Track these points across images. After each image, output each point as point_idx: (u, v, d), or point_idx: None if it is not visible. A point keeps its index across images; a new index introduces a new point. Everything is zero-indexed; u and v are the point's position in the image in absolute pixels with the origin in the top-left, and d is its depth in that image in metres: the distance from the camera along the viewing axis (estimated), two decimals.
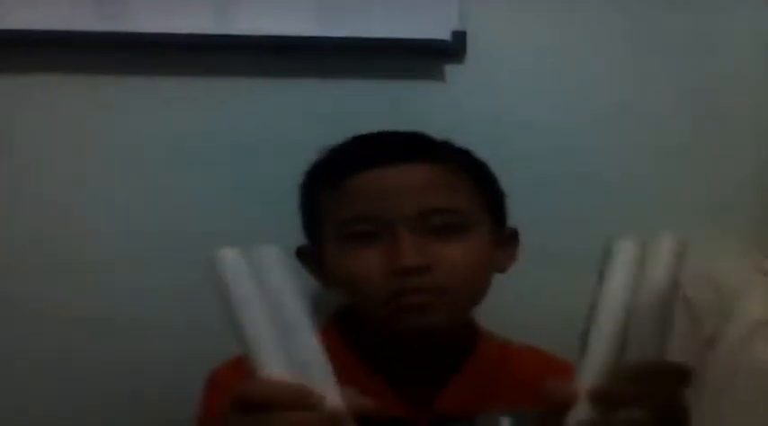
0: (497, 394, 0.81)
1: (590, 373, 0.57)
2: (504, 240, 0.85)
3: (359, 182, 0.78)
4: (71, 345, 1.04)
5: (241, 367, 0.58)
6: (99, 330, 1.04)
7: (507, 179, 1.02)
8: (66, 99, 1.05)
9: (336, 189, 0.79)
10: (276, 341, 0.58)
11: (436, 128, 1.01)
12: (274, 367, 0.57)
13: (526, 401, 0.78)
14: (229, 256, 0.59)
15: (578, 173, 1.10)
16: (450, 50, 1.07)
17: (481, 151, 1.01)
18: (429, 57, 1.08)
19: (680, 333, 0.95)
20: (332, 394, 0.57)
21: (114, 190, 1.06)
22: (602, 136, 1.11)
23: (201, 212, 1.06)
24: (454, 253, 0.77)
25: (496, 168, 0.99)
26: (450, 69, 1.09)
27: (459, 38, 1.07)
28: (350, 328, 0.83)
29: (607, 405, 0.54)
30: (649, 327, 0.57)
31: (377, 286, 0.75)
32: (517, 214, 1.00)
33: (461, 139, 1.02)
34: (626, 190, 1.11)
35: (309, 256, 0.85)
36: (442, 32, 1.06)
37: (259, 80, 1.07)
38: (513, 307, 1.00)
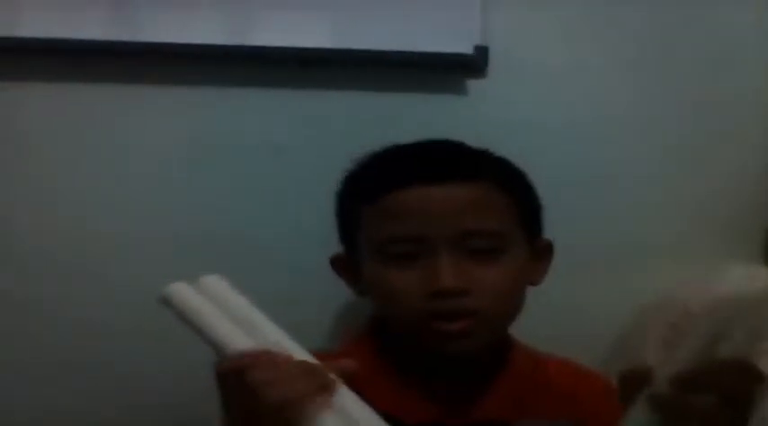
0: (532, 405, 0.81)
1: None
2: (539, 253, 0.85)
3: (400, 200, 0.77)
4: (74, 347, 1.05)
5: None
6: (101, 332, 1.05)
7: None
8: (73, 106, 1.06)
9: (377, 204, 0.78)
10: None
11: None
12: None
13: (560, 411, 0.80)
14: (181, 287, 0.65)
15: (602, 184, 1.11)
16: (472, 65, 1.08)
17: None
18: (451, 72, 1.09)
19: (681, 346, 0.94)
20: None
21: (125, 196, 1.07)
22: (624, 147, 1.12)
23: (216, 215, 1.07)
24: (492, 277, 0.76)
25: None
26: (472, 84, 1.09)
27: (482, 52, 1.08)
28: (384, 339, 0.83)
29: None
30: None
31: (415, 307, 0.75)
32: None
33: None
34: (649, 199, 1.12)
35: (345, 264, 0.85)
36: (464, 47, 1.07)
37: (281, 92, 1.08)
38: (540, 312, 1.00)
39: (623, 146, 1.12)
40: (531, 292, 0.97)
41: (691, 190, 1.12)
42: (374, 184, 0.80)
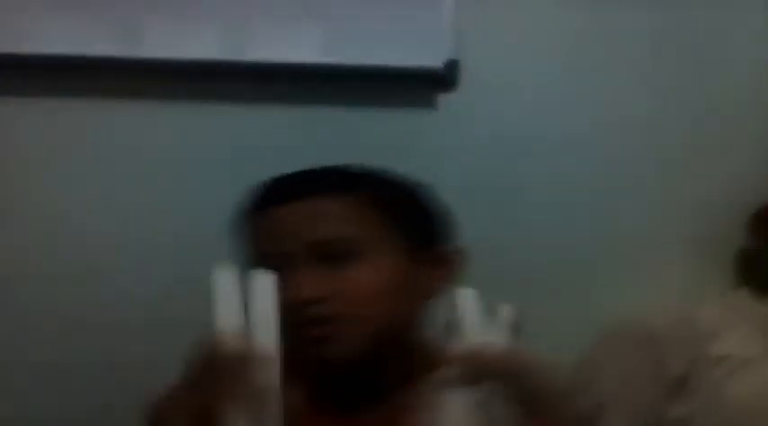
0: None
1: None
2: (434, 261, 0.85)
3: (260, 221, 0.84)
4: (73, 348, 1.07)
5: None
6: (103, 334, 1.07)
7: (498, 203, 1.09)
8: (66, 121, 1.09)
9: (248, 225, 0.85)
10: None
11: (428, 156, 1.08)
12: None
13: None
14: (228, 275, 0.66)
15: (572, 200, 1.11)
16: (442, 79, 1.08)
17: (472, 177, 1.08)
18: (422, 86, 1.09)
19: (642, 374, 0.96)
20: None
21: (125, 205, 1.10)
22: (594, 162, 1.11)
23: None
24: (349, 281, 0.79)
25: (487, 194, 1.07)
26: (442, 98, 1.10)
27: (452, 66, 1.08)
28: None
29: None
30: None
31: (288, 319, 0.75)
32: (507, 236, 1.07)
33: (452, 166, 1.08)
34: (621, 215, 1.11)
35: None
36: (434, 61, 1.08)
37: (250, 107, 1.10)
38: None
39: (593, 160, 1.11)
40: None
41: (664, 211, 1.11)
42: (248, 207, 0.86)
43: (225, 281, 0.66)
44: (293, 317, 0.76)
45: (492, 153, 1.09)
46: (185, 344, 0.64)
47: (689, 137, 1.13)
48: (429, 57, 1.08)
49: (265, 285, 0.67)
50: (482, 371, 0.63)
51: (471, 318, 0.67)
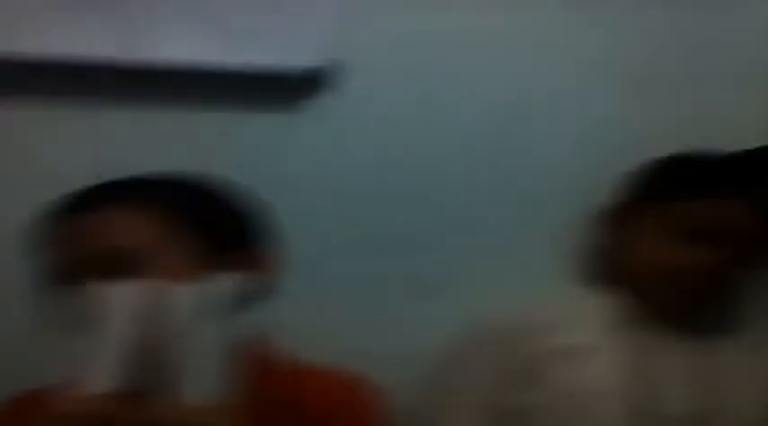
0: (259, 413, 0.81)
1: None
2: (240, 264, 0.84)
3: (58, 229, 0.84)
4: None
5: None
6: None
7: (364, 207, 1.12)
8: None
9: (47, 232, 0.85)
10: None
11: (296, 159, 1.10)
12: None
13: (286, 417, 0.84)
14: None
15: (436, 202, 1.13)
16: (313, 82, 1.09)
17: (340, 180, 1.11)
18: (292, 89, 1.09)
19: (494, 369, 1.00)
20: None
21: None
22: (463, 171, 1.14)
23: None
24: None
25: (360, 198, 1.10)
26: (313, 101, 1.11)
27: (325, 70, 1.08)
28: None
29: None
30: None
31: None
32: (383, 246, 1.10)
33: (321, 170, 1.11)
34: (474, 222, 1.14)
35: None
36: (306, 64, 1.08)
37: (121, 108, 1.08)
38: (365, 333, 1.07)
39: (466, 166, 1.14)
40: (356, 312, 1.05)
41: (520, 211, 1.14)
42: (47, 217, 0.86)
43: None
44: None
45: (359, 156, 1.11)
46: None
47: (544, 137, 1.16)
48: (301, 60, 1.07)
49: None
50: None
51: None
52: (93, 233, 0.82)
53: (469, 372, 1.01)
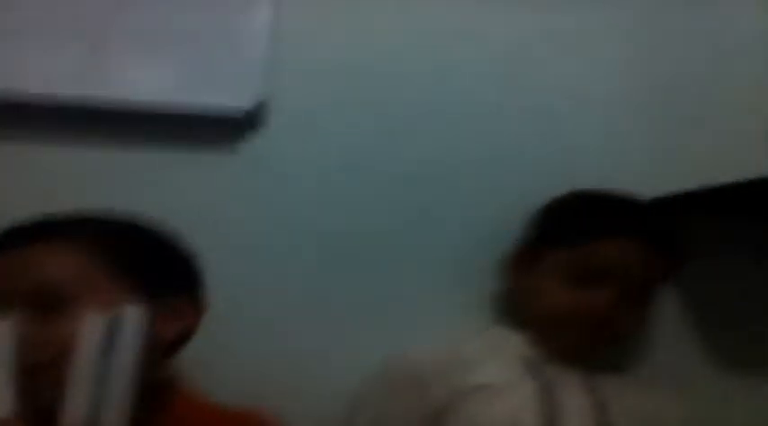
0: None
1: None
2: (169, 311, 0.84)
3: None
4: None
5: None
6: None
7: (305, 247, 1.10)
8: None
9: None
10: None
11: (229, 198, 1.08)
12: None
13: None
14: None
15: (360, 248, 1.11)
16: (248, 121, 1.06)
17: (271, 220, 1.09)
18: (225, 128, 1.07)
19: (407, 408, 1.00)
20: None
21: None
22: (387, 212, 1.12)
23: None
24: (51, 329, 0.78)
25: (293, 237, 1.09)
26: (245, 141, 1.09)
27: (259, 109, 1.06)
28: None
29: None
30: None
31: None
32: (314, 285, 1.09)
33: (253, 209, 1.09)
34: (399, 260, 1.13)
35: None
36: (240, 103, 1.05)
37: (53, 148, 1.05)
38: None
39: (400, 202, 1.13)
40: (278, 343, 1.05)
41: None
42: None
43: None
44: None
45: (291, 195, 1.09)
46: None
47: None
48: (234, 100, 1.05)
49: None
50: None
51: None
52: (20, 267, 0.81)
53: (383, 411, 1.02)
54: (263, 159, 1.08)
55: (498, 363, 1.02)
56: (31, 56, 1.02)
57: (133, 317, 0.73)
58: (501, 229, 1.09)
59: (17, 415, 0.67)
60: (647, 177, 1.12)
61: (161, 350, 0.84)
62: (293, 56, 1.08)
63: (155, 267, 0.86)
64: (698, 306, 1.15)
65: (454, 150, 1.14)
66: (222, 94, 1.04)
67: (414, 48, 1.13)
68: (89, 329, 0.72)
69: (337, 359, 1.08)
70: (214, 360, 0.97)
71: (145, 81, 1.03)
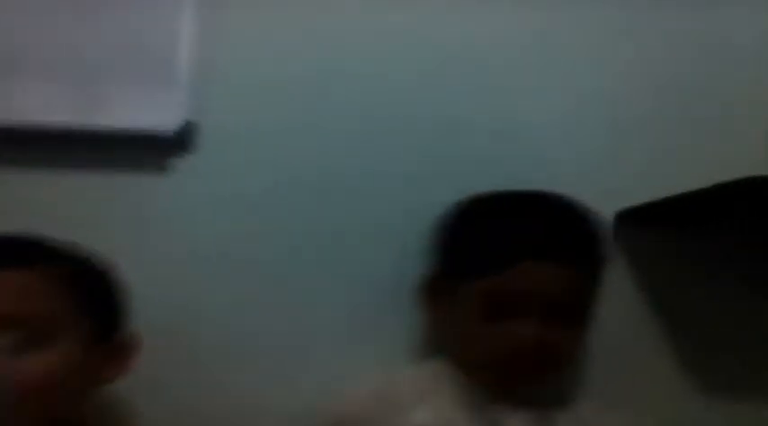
0: None
1: None
2: (112, 349, 0.84)
3: None
4: None
5: None
6: None
7: (234, 271, 1.05)
8: None
9: None
10: None
11: (160, 221, 1.05)
12: None
13: None
14: None
15: (301, 274, 1.07)
16: (176, 141, 1.04)
17: (205, 244, 1.05)
18: (155, 148, 1.05)
19: None
20: None
21: None
22: (317, 243, 1.08)
23: None
24: (29, 366, 0.76)
25: (225, 261, 1.05)
26: (175, 161, 1.06)
27: (187, 129, 1.04)
28: None
29: None
30: None
31: None
32: (246, 312, 1.05)
33: (184, 231, 1.05)
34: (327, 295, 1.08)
35: None
36: (168, 123, 1.02)
37: None
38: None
39: (320, 229, 1.08)
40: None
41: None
42: None
43: None
44: None
45: (224, 218, 1.06)
46: None
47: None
48: (163, 120, 1.02)
49: None
50: None
51: None
52: (8, 293, 0.79)
53: None
54: (192, 179, 1.06)
55: (437, 403, 0.93)
56: None
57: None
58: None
59: None
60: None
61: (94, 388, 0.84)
62: (223, 75, 1.07)
63: (104, 305, 0.85)
64: (672, 321, 1.10)
65: (393, 165, 1.09)
66: (150, 115, 1.01)
67: (346, 65, 1.10)
68: None
69: (265, 395, 1.03)
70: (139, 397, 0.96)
71: (66, 103, 1.01)
